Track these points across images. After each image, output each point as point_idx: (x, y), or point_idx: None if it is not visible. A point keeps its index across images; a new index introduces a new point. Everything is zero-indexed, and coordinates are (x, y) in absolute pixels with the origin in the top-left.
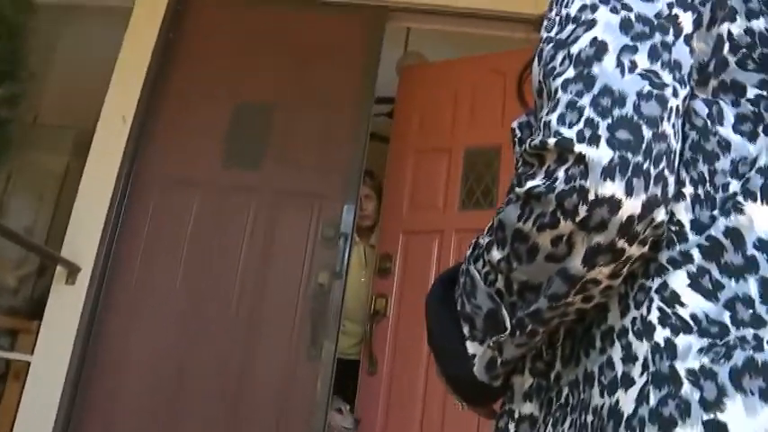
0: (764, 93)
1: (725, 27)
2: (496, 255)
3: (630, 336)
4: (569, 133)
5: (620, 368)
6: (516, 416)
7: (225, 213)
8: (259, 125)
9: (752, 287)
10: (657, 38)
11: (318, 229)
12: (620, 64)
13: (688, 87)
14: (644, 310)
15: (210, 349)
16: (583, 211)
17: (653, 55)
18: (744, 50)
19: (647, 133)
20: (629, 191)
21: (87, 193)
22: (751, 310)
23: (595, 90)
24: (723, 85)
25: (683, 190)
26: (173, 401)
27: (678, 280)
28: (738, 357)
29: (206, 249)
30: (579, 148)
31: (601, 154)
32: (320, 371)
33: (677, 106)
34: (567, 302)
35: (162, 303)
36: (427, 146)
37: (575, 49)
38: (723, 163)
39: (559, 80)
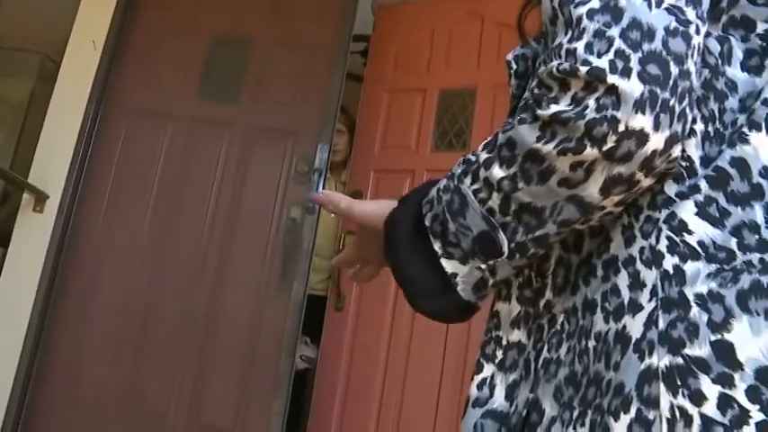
0: None
1: None
2: (499, 172)
3: (638, 264)
4: (601, 63)
5: (626, 295)
6: (504, 342)
7: (198, 146)
8: (235, 59)
9: (758, 213)
10: None
11: (292, 164)
12: None
13: (706, 24)
14: (653, 240)
15: (180, 281)
16: (611, 140)
17: None
18: None
19: (675, 70)
20: (657, 126)
21: (56, 119)
22: (757, 236)
23: (624, 23)
24: (733, 21)
25: (695, 127)
26: (141, 333)
27: (686, 209)
28: (745, 281)
29: (178, 181)
30: (612, 79)
31: (633, 87)
32: (290, 306)
33: (699, 44)
34: (571, 229)
35: (132, 234)
36: (402, 86)
37: None
38: (732, 102)
39: (583, 9)
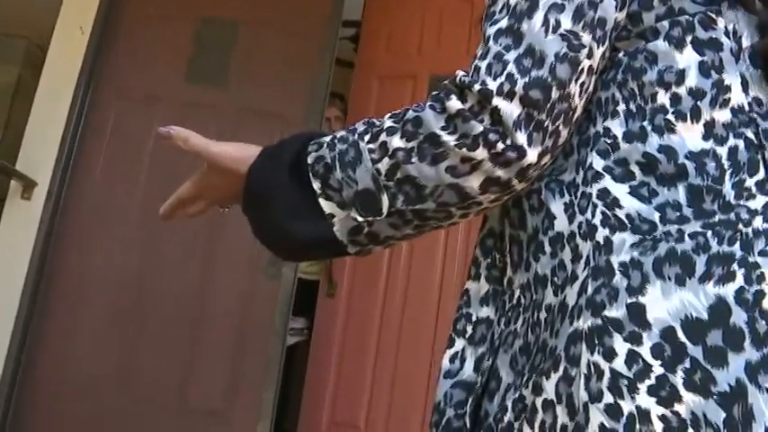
0: (703, 9)
1: None
2: (398, 142)
3: (578, 238)
4: (492, 85)
5: (569, 268)
6: (474, 319)
7: (187, 129)
8: (223, 42)
9: (681, 193)
10: None
11: None
12: (545, 22)
13: (608, 42)
14: (588, 215)
15: (171, 265)
16: (499, 148)
17: (577, 15)
18: None
19: (555, 94)
20: (530, 142)
21: (43, 105)
22: (678, 213)
23: (521, 49)
24: (670, 11)
25: (618, 108)
26: (132, 316)
27: (619, 189)
28: (662, 249)
29: (168, 164)
30: (496, 101)
31: (512, 109)
32: (280, 290)
33: (590, 66)
34: (450, 212)
35: (121, 221)
36: (392, 71)
37: (513, 0)
38: (650, 75)
39: (493, 29)
